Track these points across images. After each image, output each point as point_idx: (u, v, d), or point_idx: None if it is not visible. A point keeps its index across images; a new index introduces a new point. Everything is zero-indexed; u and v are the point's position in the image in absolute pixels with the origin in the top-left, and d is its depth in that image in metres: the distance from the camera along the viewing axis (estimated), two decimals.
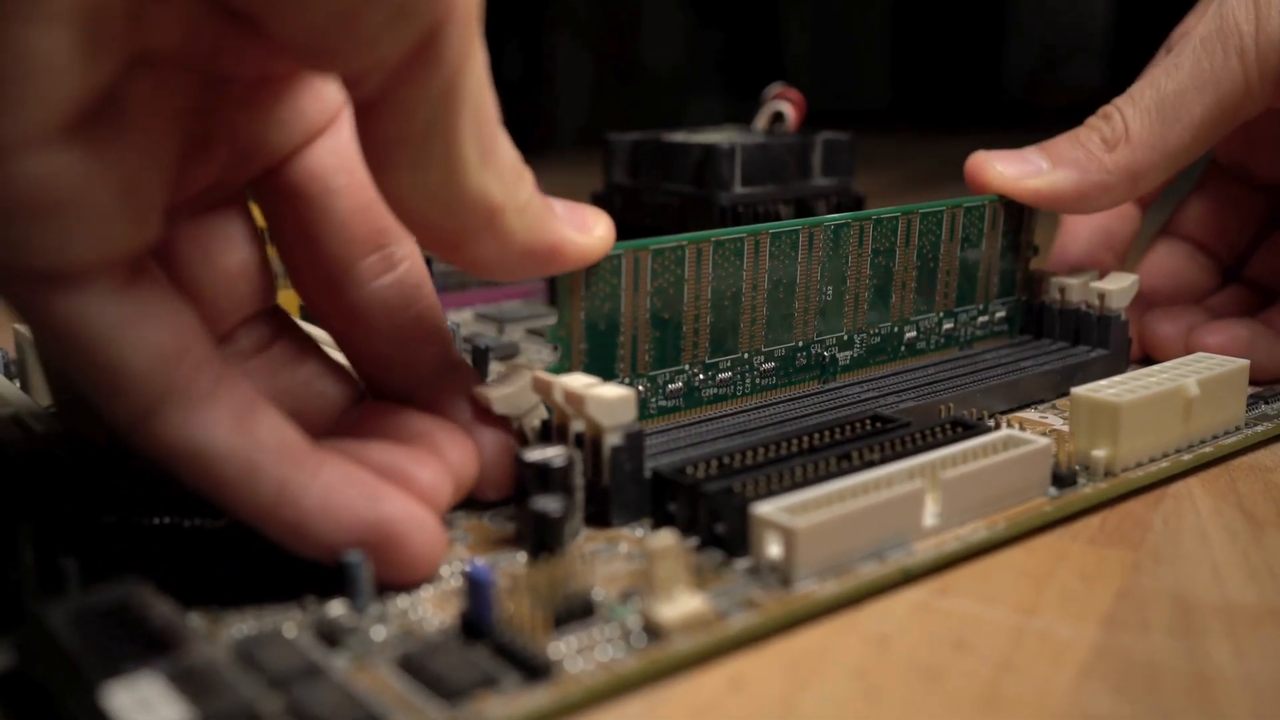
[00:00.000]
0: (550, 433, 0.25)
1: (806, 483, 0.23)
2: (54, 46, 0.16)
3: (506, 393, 0.24)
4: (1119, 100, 0.32)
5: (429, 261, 0.26)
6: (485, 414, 0.24)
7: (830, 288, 0.30)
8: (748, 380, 0.29)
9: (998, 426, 0.26)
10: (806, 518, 0.21)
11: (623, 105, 1.48)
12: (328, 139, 0.24)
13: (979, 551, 0.24)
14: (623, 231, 0.26)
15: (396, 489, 0.21)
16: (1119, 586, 0.22)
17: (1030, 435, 0.25)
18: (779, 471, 0.23)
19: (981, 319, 0.34)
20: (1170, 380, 0.28)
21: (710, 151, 0.40)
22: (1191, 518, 0.26)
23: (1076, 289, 0.34)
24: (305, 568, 0.21)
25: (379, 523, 0.20)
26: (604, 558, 0.23)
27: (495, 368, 0.35)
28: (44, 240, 0.17)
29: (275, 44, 0.18)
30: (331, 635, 0.19)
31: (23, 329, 0.32)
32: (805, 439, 0.26)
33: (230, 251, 0.23)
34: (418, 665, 0.18)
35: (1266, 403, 0.32)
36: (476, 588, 0.19)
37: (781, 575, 0.21)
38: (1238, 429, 0.30)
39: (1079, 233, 0.38)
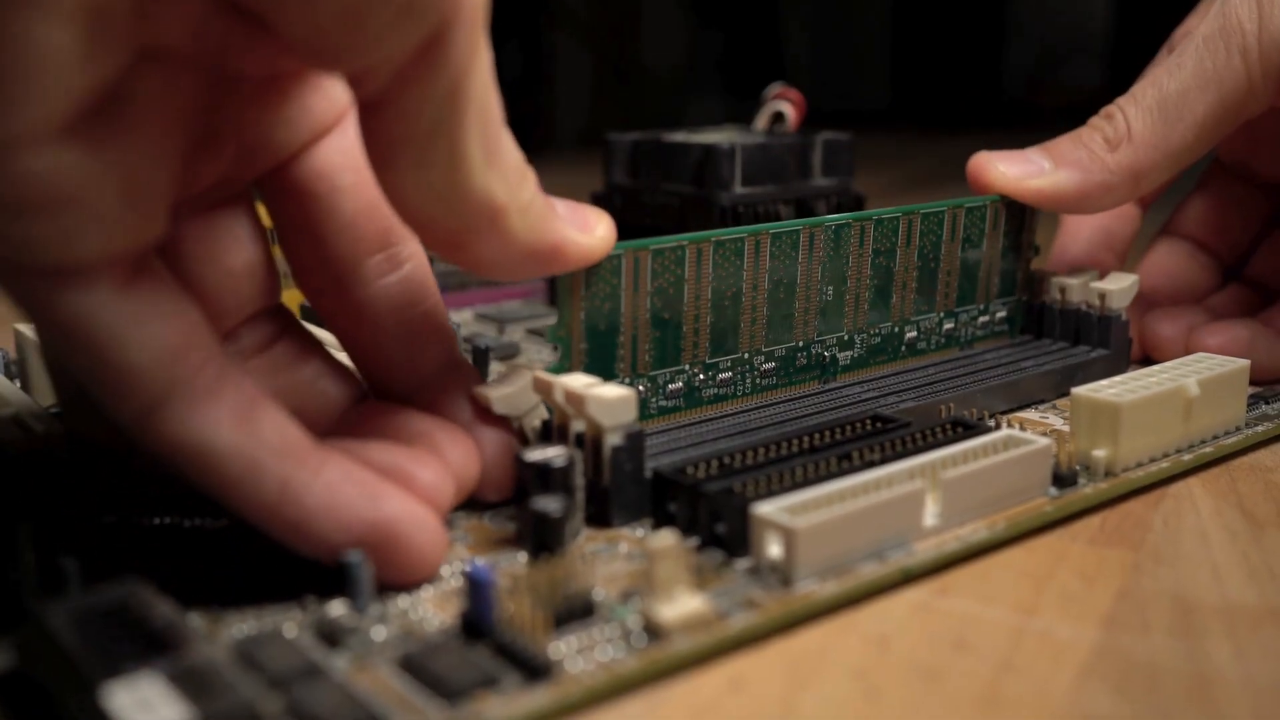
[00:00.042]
0: (550, 433, 0.25)
1: (807, 483, 0.23)
2: (60, 43, 0.16)
3: (506, 393, 0.24)
4: (1121, 100, 0.32)
5: (430, 261, 0.26)
6: (487, 414, 0.24)
7: (830, 288, 0.30)
8: (748, 380, 0.29)
9: (998, 426, 0.26)
10: (807, 518, 0.21)
11: (623, 105, 1.48)
12: (334, 137, 0.24)
13: (979, 552, 0.24)
14: (623, 232, 0.26)
15: (398, 489, 0.21)
16: (1119, 587, 0.22)
17: (1030, 435, 0.25)
18: (779, 471, 0.23)
19: (982, 319, 0.34)
20: (1170, 380, 0.28)
21: (710, 151, 0.40)
22: (1192, 518, 0.26)
23: (1077, 289, 0.34)
24: (305, 568, 0.21)
25: (380, 522, 0.20)
26: (604, 558, 0.23)
27: (495, 368, 0.35)
28: (49, 236, 0.17)
29: (282, 42, 0.18)
30: (332, 635, 0.19)
31: (23, 329, 0.32)
32: (805, 439, 0.26)
33: (235, 249, 0.23)
34: (418, 665, 0.18)
35: (1267, 403, 0.32)
36: (477, 588, 0.19)
37: (782, 575, 0.21)
38: (1238, 429, 0.30)
39: (1079, 232, 0.38)
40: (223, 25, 0.19)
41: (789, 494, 0.22)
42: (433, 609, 0.21)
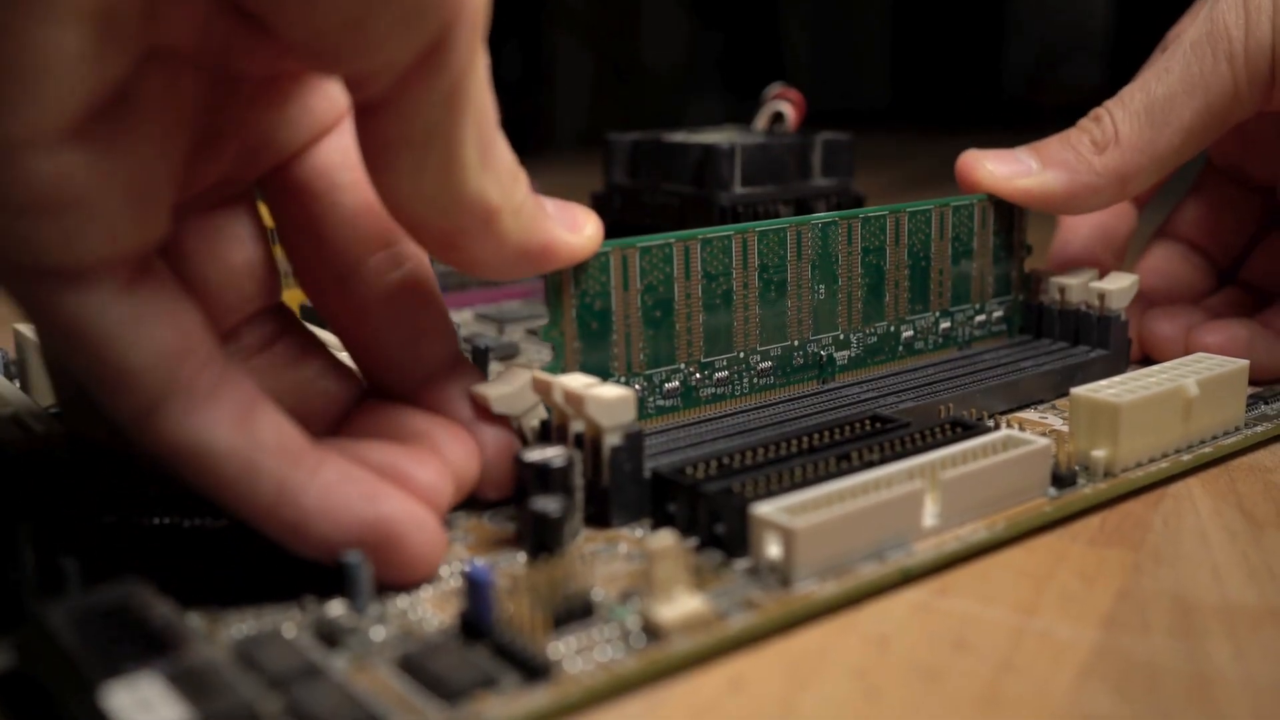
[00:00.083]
0: (550, 433, 0.25)
1: (806, 483, 0.23)
2: (70, 44, 0.16)
3: (505, 392, 0.24)
4: (1110, 103, 0.33)
5: (430, 261, 0.26)
6: (487, 413, 0.24)
7: (822, 286, 0.30)
8: (745, 380, 0.29)
9: (997, 427, 0.26)
10: (806, 518, 0.21)
11: (623, 105, 1.48)
12: (336, 137, 0.24)
13: (979, 552, 0.24)
14: (623, 232, 0.26)
15: (396, 489, 0.21)
16: (1119, 587, 0.22)
17: (1030, 435, 0.25)
18: (778, 472, 0.23)
19: (979, 319, 0.34)
20: (1170, 380, 0.28)
21: (710, 151, 0.40)
22: (1191, 518, 0.26)
23: (1076, 289, 0.34)
24: (305, 568, 0.21)
25: (378, 522, 0.20)
26: (604, 558, 0.23)
27: (495, 368, 0.35)
28: (53, 237, 0.17)
29: (284, 44, 0.18)
30: (331, 635, 0.19)
31: (23, 329, 0.32)
32: (804, 439, 0.26)
33: (237, 248, 0.23)
34: (417, 665, 0.18)
35: (1266, 403, 0.32)
36: (476, 588, 0.19)
37: (781, 575, 0.21)
38: (1237, 429, 0.30)
39: (1078, 229, 0.38)
40: (225, 26, 0.19)
41: (788, 494, 0.22)
42: (432, 609, 0.21)
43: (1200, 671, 0.19)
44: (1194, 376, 0.28)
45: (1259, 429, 0.30)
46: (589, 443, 0.24)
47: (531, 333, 0.42)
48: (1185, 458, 0.28)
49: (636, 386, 0.27)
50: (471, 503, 0.25)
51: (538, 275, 0.25)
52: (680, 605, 0.20)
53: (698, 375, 0.28)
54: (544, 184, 0.23)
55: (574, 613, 0.20)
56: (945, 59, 1.84)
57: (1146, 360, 0.35)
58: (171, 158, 0.19)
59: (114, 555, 0.22)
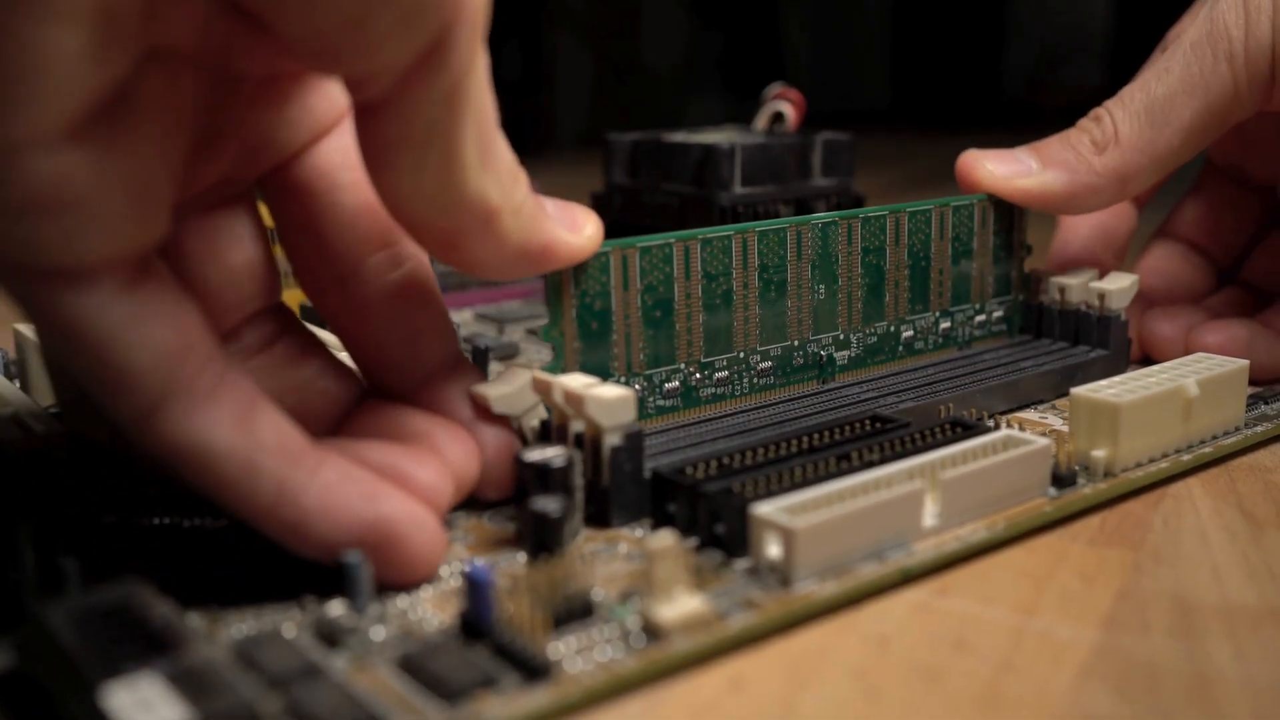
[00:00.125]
0: (550, 433, 0.25)
1: (806, 483, 0.23)
2: (71, 45, 0.16)
3: (505, 392, 0.24)
4: (1110, 103, 0.33)
5: (430, 261, 0.26)
6: (487, 413, 0.24)
7: (822, 286, 0.30)
8: (745, 380, 0.29)
9: (997, 427, 0.26)
10: (806, 518, 0.21)
11: (623, 105, 1.48)
12: (335, 137, 0.24)
13: (979, 552, 0.24)
14: (623, 232, 0.26)
15: (396, 489, 0.21)
16: (1119, 587, 0.22)
17: (1030, 435, 0.25)
18: (778, 472, 0.23)
19: (979, 318, 0.34)
20: (1170, 380, 0.28)
21: (710, 151, 0.40)
22: (1191, 518, 0.26)
23: (1076, 289, 0.34)
24: (305, 568, 0.21)
25: (378, 522, 0.20)
26: (604, 558, 0.23)
27: (495, 368, 0.35)
28: (53, 237, 0.17)
29: (283, 44, 0.18)
30: (331, 635, 0.19)
31: (23, 329, 0.32)
32: (804, 439, 0.26)
33: (237, 248, 0.23)
34: (417, 665, 0.18)
35: (1266, 403, 0.32)
36: (476, 588, 0.19)
37: (781, 575, 0.21)
38: (1237, 429, 0.30)
39: (1078, 229, 0.38)
40: (225, 26, 0.19)
41: (788, 494, 0.22)
42: (432, 609, 0.21)
43: (1200, 671, 0.19)
44: (1194, 376, 0.28)
45: (1259, 429, 0.30)
46: (589, 443, 0.24)
47: (531, 333, 0.42)
48: (1185, 458, 0.28)
49: (636, 386, 0.27)
50: (471, 503, 0.25)
51: (538, 275, 0.25)
52: (680, 605, 0.20)
53: (698, 375, 0.28)
54: (544, 184, 0.23)
55: (574, 613, 0.20)
56: (945, 59, 1.84)
57: (1146, 360, 0.35)
58: (171, 158, 0.19)
59: (114, 555, 0.22)
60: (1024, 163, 0.32)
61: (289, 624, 0.20)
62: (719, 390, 0.29)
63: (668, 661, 0.19)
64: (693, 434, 0.27)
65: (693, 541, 0.23)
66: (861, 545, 0.22)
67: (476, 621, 0.19)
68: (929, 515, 0.24)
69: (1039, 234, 0.35)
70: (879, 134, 1.34)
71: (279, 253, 0.25)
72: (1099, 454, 0.26)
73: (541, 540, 0.22)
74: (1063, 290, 0.34)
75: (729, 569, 0.22)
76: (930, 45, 1.86)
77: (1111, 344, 0.34)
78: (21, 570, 0.20)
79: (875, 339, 0.32)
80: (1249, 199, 0.39)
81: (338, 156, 0.24)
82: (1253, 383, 0.32)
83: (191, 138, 0.20)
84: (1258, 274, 0.38)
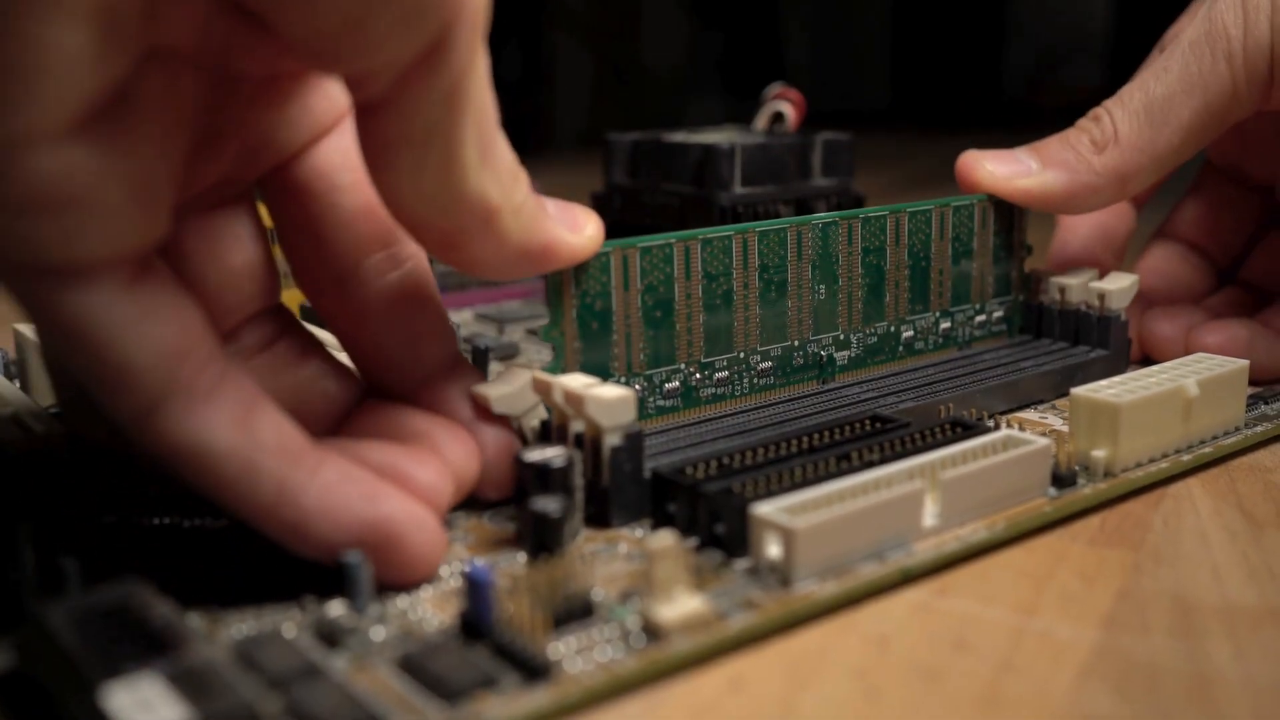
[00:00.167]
0: (550, 433, 0.25)
1: (806, 483, 0.23)
2: (72, 43, 0.16)
3: (505, 392, 0.24)
4: (1109, 102, 0.33)
5: (429, 261, 0.26)
6: (487, 413, 0.24)
7: (823, 286, 0.30)
8: (745, 380, 0.29)
9: (997, 427, 0.26)
10: (806, 518, 0.21)
11: (623, 105, 1.48)
12: (335, 137, 0.24)
13: (979, 552, 0.24)
14: (623, 232, 0.26)
15: (396, 489, 0.21)
16: (1119, 587, 0.22)
17: (1030, 436, 0.25)
18: (778, 472, 0.23)
19: (979, 319, 0.34)
20: (1170, 380, 0.28)
21: (710, 151, 0.40)
22: (1191, 518, 0.26)
23: (1076, 289, 0.34)
24: (305, 568, 0.21)
25: (378, 522, 0.20)
26: (604, 558, 0.23)
27: (495, 368, 0.35)
28: (54, 235, 0.17)
29: (284, 43, 0.18)
30: (331, 635, 0.19)
31: (23, 329, 0.32)
32: (805, 439, 0.26)
33: (237, 249, 0.23)
34: (417, 665, 0.18)
35: (1266, 403, 0.32)
36: (476, 588, 0.19)
37: (781, 575, 0.21)
38: (1237, 429, 0.30)
39: (1077, 229, 0.38)
40: (226, 26, 0.19)
41: (788, 494, 0.22)
42: (432, 609, 0.21)
43: (1200, 671, 0.19)
44: (1194, 376, 0.28)
45: (1259, 429, 0.30)
46: (589, 443, 0.24)
47: (531, 333, 0.42)
48: (1185, 458, 0.28)
49: (636, 386, 0.27)
50: (471, 503, 0.25)
51: (538, 275, 0.25)
52: (680, 605, 0.20)
53: (698, 375, 0.28)
54: (544, 184, 0.23)
55: (574, 613, 0.20)
56: (945, 60, 1.84)
57: (1146, 360, 0.35)
58: (171, 157, 0.19)
59: (114, 555, 0.22)
60: (1024, 163, 0.32)
61: (289, 624, 0.20)
62: (719, 390, 0.29)
63: (668, 661, 0.19)
64: (693, 434, 0.27)
65: (693, 541, 0.23)
66: (861, 545, 0.22)
67: (476, 621, 0.19)
68: (929, 515, 0.24)
69: (1039, 234, 0.35)
70: (879, 134, 1.34)
71: (278, 253, 0.25)
72: (1099, 454, 0.26)
73: (541, 540, 0.22)
74: (1063, 290, 0.34)
75: (729, 569, 0.22)
76: (930, 45, 1.86)
77: (1111, 344, 0.34)
78: (21, 570, 0.20)
79: (875, 339, 0.32)
80: (1248, 199, 0.39)
81: (337, 157, 0.24)
82: (1253, 383, 0.32)
83: (191, 138, 0.20)
84: (1257, 274, 0.38)
